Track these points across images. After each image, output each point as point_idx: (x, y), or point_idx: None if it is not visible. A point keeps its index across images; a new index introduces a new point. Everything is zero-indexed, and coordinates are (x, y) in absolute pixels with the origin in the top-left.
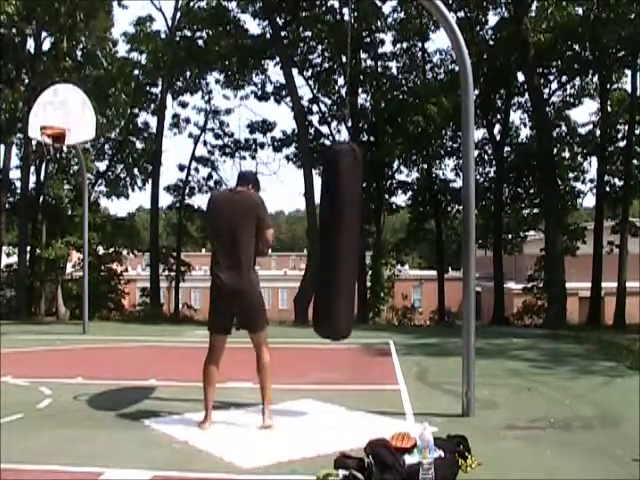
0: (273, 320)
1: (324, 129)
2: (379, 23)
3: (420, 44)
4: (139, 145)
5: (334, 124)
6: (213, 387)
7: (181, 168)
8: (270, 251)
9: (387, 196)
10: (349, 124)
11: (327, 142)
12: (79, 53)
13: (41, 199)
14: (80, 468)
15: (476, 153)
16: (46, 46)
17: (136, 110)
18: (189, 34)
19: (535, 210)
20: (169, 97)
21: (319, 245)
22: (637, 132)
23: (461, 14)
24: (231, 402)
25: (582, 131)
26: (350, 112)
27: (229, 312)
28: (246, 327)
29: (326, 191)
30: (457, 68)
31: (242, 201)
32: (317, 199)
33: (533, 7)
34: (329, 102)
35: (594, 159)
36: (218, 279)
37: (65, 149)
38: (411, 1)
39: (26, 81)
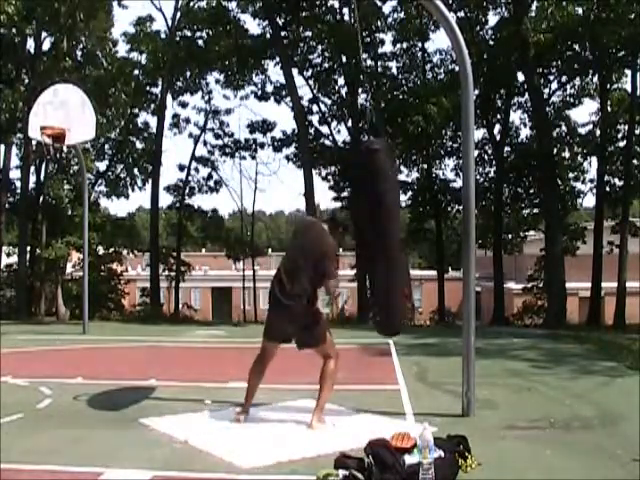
0: None
1: (324, 129)
2: (379, 23)
3: (420, 44)
4: (139, 145)
5: (334, 124)
6: (256, 387)
7: (181, 168)
8: (270, 250)
9: None
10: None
11: (327, 142)
12: (79, 53)
13: (41, 199)
14: (80, 468)
15: (476, 153)
16: (46, 46)
17: (136, 110)
18: (189, 34)
19: (535, 210)
20: (169, 97)
21: (370, 246)
22: (637, 132)
23: (461, 14)
24: (231, 402)
25: (582, 131)
26: (349, 112)
27: (296, 330)
28: (311, 345)
29: (370, 190)
30: (457, 68)
31: (319, 241)
32: (317, 199)
33: (533, 7)
34: (329, 102)
35: (594, 159)
36: (278, 294)
37: (65, 149)
38: (411, 1)
39: (26, 81)
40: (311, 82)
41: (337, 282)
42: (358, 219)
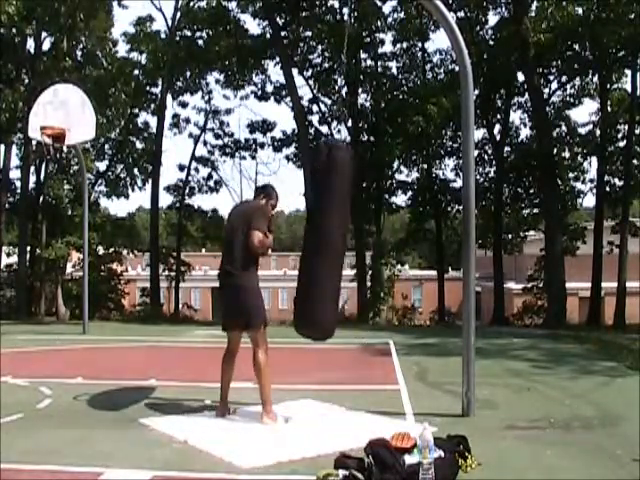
0: (273, 320)
1: (324, 129)
2: (379, 23)
3: (420, 44)
4: (139, 145)
5: (334, 124)
6: (226, 381)
7: (181, 168)
8: (270, 251)
9: (387, 196)
10: (349, 124)
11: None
12: (79, 53)
13: (41, 199)
14: (80, 468)
15: (476, 153)
16: (46, 46)
17: (136, 110)
18: (189, 34)
19: (535, 210)
20: (169, 97)
21: (304, 240)
22: (637, 132)
23: (461, 14)
24: (231, 402)
25: (582, 131)
26: (350, 112)
27: (225, 310)
28: (239, 324)
29: (316, 186)
30: (457, 68)
31: (243, 210)
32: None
33: (533, 7)
34: (329, 102)
35: (594, 159)
36: (218, 280)
37: (65, 149)
38: (411, 1)
39: (26, 81)
40: (311, 82)
41: (259, 233)
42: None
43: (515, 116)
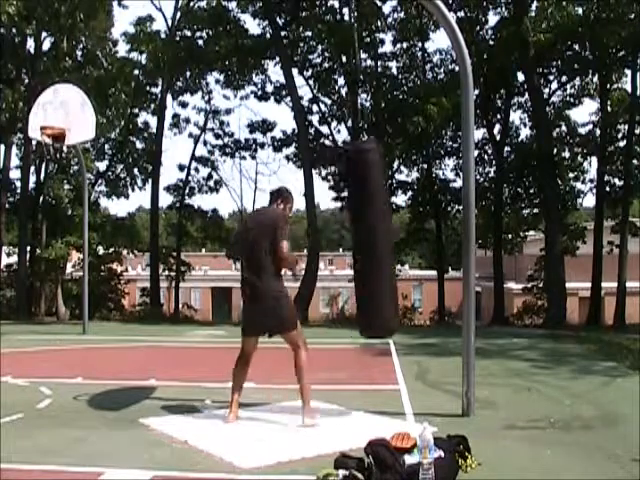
0: None
1: (324, 129)
2: (379, 23)
3: (420, 44)
4: (139, 145)
5: (334, 124)
6: (238, 386)
7: (181, 168)
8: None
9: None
10: (350, 123)
11: (327, 142)
12: (79, 53)
13: (41, 199)
14: (80, 468)
15: (476, 153)
16: (46, 46)
17: (136, 110)
18: (189, 34)
19: (535, 210)
20: (169, 97)
21: (356, 244)
22: (637, 132)
23: (461, 14)
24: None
25: (582, 131)
26: (350, 112)
27: (255, 317)
28: (273, 330)
29: (357, 189)
30: (457, 68)
31: (265, 219)
32: (317, 199)
33: (533, 7)
34: (329, 102)
35: (594, 159)
36: (243, 292)
37: (65, 149)
38: (411, 1)
39: (26, 81)
40: (311, 82)
41: (286, 244)
42: (352, 220)
43: (515, 116)
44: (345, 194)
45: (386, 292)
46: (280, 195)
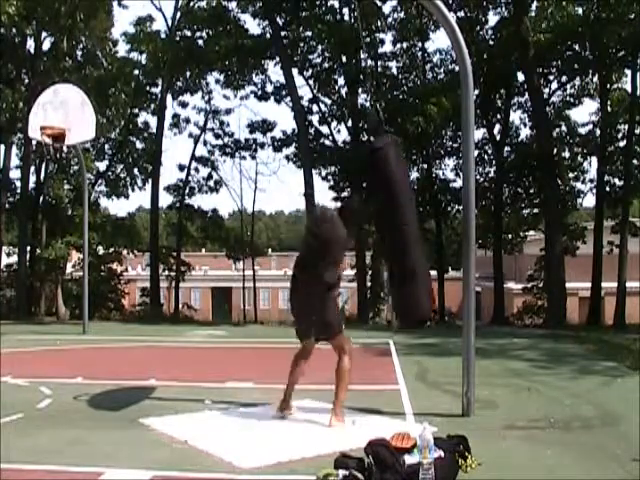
0: (273, 320)
1: (324, 129)
2: (379, 23)
3: (420, 44)
4: (139, 145)
5: (334, 124)
6: (294, 382)
7: (181, 168)
8: (270, 250)
9: None
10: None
11: (327, 142)
12: (79, 53)
13: (41, 199)
14: (80, 468)
15: (476, 153)
16: (46, 46)
17: (136, 110)
18: (189, 34)
19: (535, 210)
20: (169, 97)
21: (388, 239)
22: (637, 132)
23: (461, 14)
24: (231, 402)
25: (582, 131)
26: (349, 112)
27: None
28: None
29: (382, 183)
30: (457, 68)
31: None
32: (317, 199)
33: (533, 7)
34: (329, 102)
35: (594, 159)
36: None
37: (65, 149)
38: (411, 1)
39: (26, 81)
40: (311, 82)
41: (341, 270)
42: (377, 219)
43: (515, 116)
44: (345, 194)
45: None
46: (349, 210)
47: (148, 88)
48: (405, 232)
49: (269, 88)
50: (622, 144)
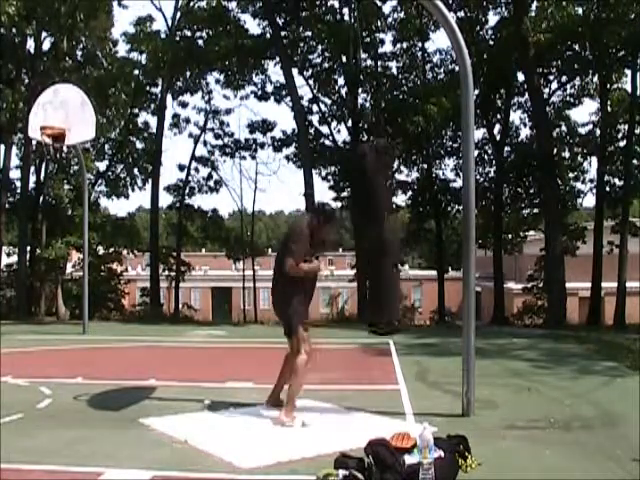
0: (272, 320)
1: (324, 129)
2: (379, 23)
3: (420, 44)
4: (139, 145)
5: (334, 124)
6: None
7: (181, 168)
8: (270, 250)
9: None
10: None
11: (327, 142)
12: (79, 53)
13: (41, 199)
14: (80, 468)
15: (476, 153)
16: (46, 46)
17: (136, 110)
18: (189, 34)
19: (535, 210)
20: (169, 97)
21: (370, 244)
22: (637, 132)
23: (461, 14)
24: (231, 402)
25: (582, 131)
26: (349, 112)
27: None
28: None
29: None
30: (457, 68)
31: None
32: (317, 199)
33: (533, 7)
34: (329, 102)
35: (594, 159)
36: None
37: (65, 149)
38: (411, 1)
39: (26, 81)
40: (311, 82)
41: (291, 261)
42: (354, 220)
43: (515, 116)
44: (345, 194)
45: (391, 289)
46: (322, 214)
47: (148, 88)
48: (377, 242)
49: (269, 88)
50: (622, 144)
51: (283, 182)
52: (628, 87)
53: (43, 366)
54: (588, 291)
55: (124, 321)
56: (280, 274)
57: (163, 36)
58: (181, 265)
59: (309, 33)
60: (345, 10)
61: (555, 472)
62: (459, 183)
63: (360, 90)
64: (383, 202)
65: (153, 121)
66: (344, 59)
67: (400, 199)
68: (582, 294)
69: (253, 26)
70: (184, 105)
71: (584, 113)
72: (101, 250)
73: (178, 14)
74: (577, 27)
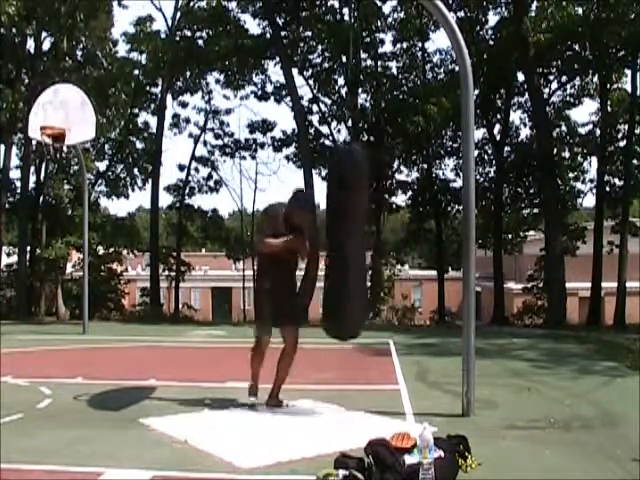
0: None
1: (324, 129)
2: (379, 23)
3: (420, 44)
4: (139, 145)
5: (334, 124)
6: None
7: (181, 168)
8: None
9: (387, 196)
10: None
11: (327, 142)
12: (79, 53)
13: (41, 199)
14: (80, 468)
15: (476, 153)
16: (46, 46)
17: (136, 110)
18: (189, 34)
19: (535, 210)
20: (169, 97)
21: (331, 244)
22: (637, 132)
23: (461, 14)
24: (231, 402)
25: (582, 131)
26: (351, 112)
27: None
28: None
29: (338, 190)
30: (457, 68)
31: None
32: (317, 199)
33: (533, 7)
34: (329, 102)
35: (594, 159)
36: None
37: (65, 149)
38: (411, 1)
39: (26, 81)
40: (311, 82)
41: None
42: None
43: (515, 116)
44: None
45: (355, 293)
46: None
47: (148, 88)
48: (346, 246)
49: (269, 88)
50: (622, 144)
51: (283, 182)
52: (628, 87)
53: (43, 366)
54: (588, 291)
55: (124, 321)
56: (259, 262)
57: (163, 36)
58: (181, 265)
59: (309, 33)
60: (345, 10)
61: (555, 472)
62: (459, 183)
63: (360, 90)
64: (361, 213)
65: (153, 121)
66: (344, 59)
67: (400, 199)
68: (582, 294)
69: (253, 26)
70: (184, 105)
71: (584, 113)
72: (101, 250)
73: (178, 14)
74: (577, 27)
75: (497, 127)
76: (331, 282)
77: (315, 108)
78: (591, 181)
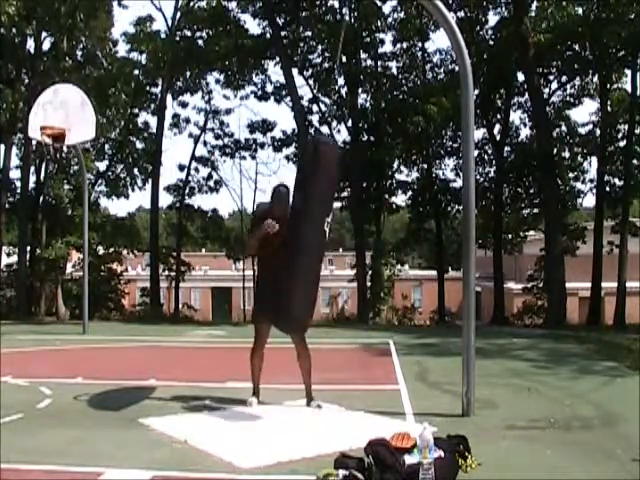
0: None
1: (324, 129)
2: (379, 23)
3: (420, 44)
4: (139, 145)
5: (334, 124)
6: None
7: (181, 168)
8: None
9: (387, 196)
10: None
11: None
12: (79, 53)
13: (41, 199)
14: (80, 468)
15: (476, 153)
16: (46, 46)
17: (136, 110)
18: (189, 34)
19: (535, 210)
20: (169, 97)
21: (287, 237)
22: (637, 132)
23: (461, 14)
24: (231, 402)
25: (582, 131)
26: (350, 112)
27: None
28: None
29: (301, 183)
30: (457, 68)
31: None
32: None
33: (533, 7)
34: (329, 102)
35: (594, 159)
36: None
37: (65, 149)
38: (411, 1)
39: (26, 81)
40: (311, 82)
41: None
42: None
43: (515, 116)
44: (345, 194)
45: (307, 291)
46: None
47: (148, 88)
48: (308, 238)
49: (269, 88)
50: (622, 144)
51: (283, 182)
52: (628, 87)
53: (43, 366)
54: (588, 291)
55: (124, 321)
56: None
57: (163, 36)
58: (181, 265)
59: (309, 33)
60: (345, 10)
61: (555, 472)
62: (459, 183)
63: (360, 90)
64: (319, 204)
65: (153, 121)
66: (344, 59)
67: (400, 199)
68: (582, 294)
69: (253, 26)
70: (184, 105)
71: (584, 113)
72: (101, 250)
73: (178, 14)
74: (577, 27)
75: (497, 127)
76: (280, 276)
77: (315, 108)
78: (591, 181)
